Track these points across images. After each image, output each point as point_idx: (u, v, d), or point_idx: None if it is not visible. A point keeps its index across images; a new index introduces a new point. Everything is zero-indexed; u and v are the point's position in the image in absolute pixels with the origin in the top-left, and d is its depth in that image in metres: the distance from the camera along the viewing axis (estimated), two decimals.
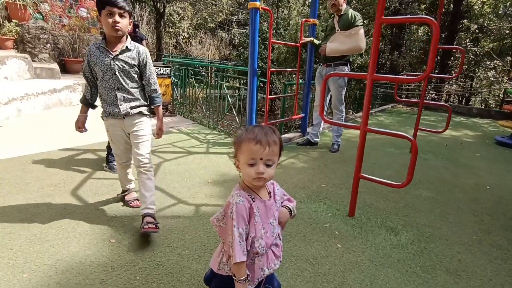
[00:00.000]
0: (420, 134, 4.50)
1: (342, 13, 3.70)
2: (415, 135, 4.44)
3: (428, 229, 2.37)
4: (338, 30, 3.69)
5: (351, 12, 3.67)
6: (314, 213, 2.47)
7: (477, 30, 13.13)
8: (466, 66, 14.47)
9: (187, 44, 16.77)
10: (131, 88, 2.04)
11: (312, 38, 4.13)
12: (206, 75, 5.48)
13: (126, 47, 1.99)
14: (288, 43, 4.42)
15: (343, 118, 4.12)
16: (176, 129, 4.79)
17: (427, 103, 4.33)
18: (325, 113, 4.13)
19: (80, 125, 2.15)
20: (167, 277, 1.64)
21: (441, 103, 4.35)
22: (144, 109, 2.12)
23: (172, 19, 17.71)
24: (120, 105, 2.02)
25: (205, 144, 4.08)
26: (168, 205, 2.41)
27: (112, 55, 1.96)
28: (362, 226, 2.34)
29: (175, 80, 6.02)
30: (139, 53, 2.03)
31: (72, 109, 5.47)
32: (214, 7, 17.16)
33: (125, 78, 2.01)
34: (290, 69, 4.39)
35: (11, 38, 6.22)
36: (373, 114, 7.81)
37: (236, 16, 19.15)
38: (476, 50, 13.82)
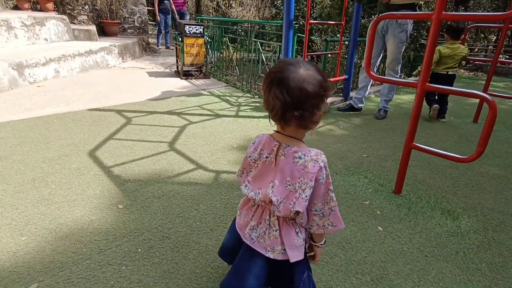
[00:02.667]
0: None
1: None
2: (481, 102, 3.72)
3: (497, 215, 1.90)
4: None
5: None
6: (352, 188, 2.10)
7: None
8: None
9: (227, 6, 16.10)
10: None
11: None
12: (240, 33, 5.05)
13: None
14: None
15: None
16: (208, 91, 4.54)
17: (502, 62, 3.55)
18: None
19: None
20: (171, 252, 1.44)
21: None
22: None
23: None
24: None
25: (236, 107, 3.78)
26: (186, 170, 2.19)
27: None
28: (410, 206, 1.94)
29: (209, 40, 5.68)
30: None
31: (107, 70, 5.45)
32: None
33: None
34: (333, 22, 3.80)
35: None
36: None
37: None
38: None
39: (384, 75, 3.66)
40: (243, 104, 3.97)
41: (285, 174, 0.88)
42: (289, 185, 0.88)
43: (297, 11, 6.28)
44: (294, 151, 0.88)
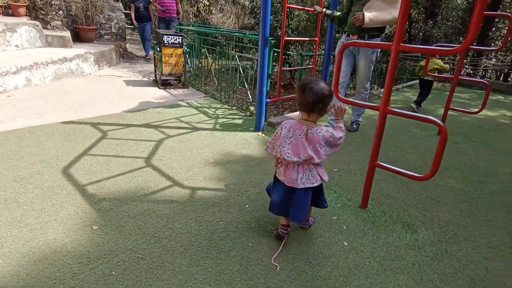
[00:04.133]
0: (451, 114, 4.05)
1: None
2: (445, 115, 3.99)
3: (451, 227, 2.07)
4: None
5: None
6: None
7: None
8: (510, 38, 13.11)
9: (208, 12, 16.15)
10: None
11: (323, 10, 3.49)
12: (219, 44, 5.12)
13: None
14: (305, 8, 3.94)
15: (367, 97, 3.66)
16: (186, 102, 4.57)
17: (462, 79, 3.83)
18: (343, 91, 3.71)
19: None
20: (146, 273, 1.48)
21: (479, 80, 3.82)
22: None
23: None
24: None
25: (213, 120, 3.84)
26: (162, 187, 2.23)
27: None
28: (374, 220, 2.08)
29: (188, 50, 5.71)
30: None
31: (83, 78, 5.36)
32: None
33: None
34: (308, 38, 3.96)
35: (23, 4, 6.07)
36: (400, 89, 7.22)
37: None
38: None
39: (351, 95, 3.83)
40: (221, 116, 4.03)
41: (314, 143, 1.60)
42: (317, 147, 1.60)
43: (275, 22, 6.43)
44: (316, 129, 1.60)
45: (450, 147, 3.62)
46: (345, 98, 2.24)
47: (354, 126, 3.87)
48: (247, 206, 2.10)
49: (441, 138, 1.75)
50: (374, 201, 2.30)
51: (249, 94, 4.38)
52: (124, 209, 1.95)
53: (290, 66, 5.97)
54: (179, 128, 3.45)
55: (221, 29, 10.97)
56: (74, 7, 6.69)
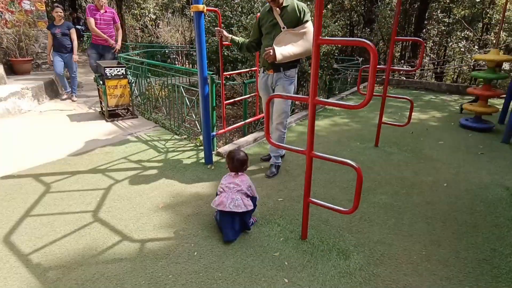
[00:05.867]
0: (387, 121, 4.48)
1: (284, 4, 2.93)
2: (379, 129, 4.40)
3: (380, 248, 2.35)
4: (284, 28, 2.94)
5: (296, 3, 2.94)
6: (266, 239, 2.40)
7: (447, 0, 13.08)
8: (439, 37, 14.57)
9: (154, 26, 15.90)
10: None
11: (229, 36, 3.33)
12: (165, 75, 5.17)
13: None
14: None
15: (285, 136, 3.43)
16: (135, 135, 4.55)
17: (389, 96, 4.27)
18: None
19: None
20: None
21: (403, 97, 4.29)
22: None
23: None
24: None
25: (163, 155, 3.89)
26: (111, 244, 2.27)
27: None
28: (313, 251, 2.29)
29: (133, 79, 5.66)
30: None
31: (22, 118, 5.10)
32: None
33: None
34: (247, 70, 4.17)
35: None
36: (344, 98, 7.75)
37: None
38: (447, 20, 13.88)
39: None
40: (171, 149, 4.09)
41: (243, 183, 2.40)
42: (245, 187, 2.39)
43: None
44: (242, 177, 2.44)
45: (386, 159, 4.01)
46: (274, 142, 2.42)
47: (273, 170, 3.43)
48: (195, 253, 2.21)
49: (357, 178, 2.00)
50: (313, 229, 2.53)
51: (197, 124, 4.48)
52: (72, 276, 1.97)
53: (231, 87, 6.19)
54: (127, 169, 3.46)
55: (168, 47, 10.92)
56: (5, 39, 6.32)
